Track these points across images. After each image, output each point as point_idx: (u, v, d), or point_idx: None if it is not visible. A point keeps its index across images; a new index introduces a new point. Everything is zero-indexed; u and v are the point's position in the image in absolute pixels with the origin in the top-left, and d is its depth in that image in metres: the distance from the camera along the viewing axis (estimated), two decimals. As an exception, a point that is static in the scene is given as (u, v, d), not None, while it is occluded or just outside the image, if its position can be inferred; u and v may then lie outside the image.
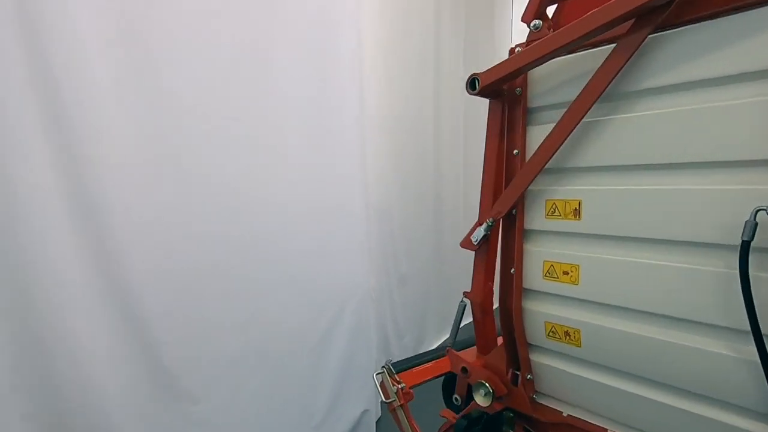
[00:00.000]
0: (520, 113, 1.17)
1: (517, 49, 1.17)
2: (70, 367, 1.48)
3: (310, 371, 2.46)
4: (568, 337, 1.12)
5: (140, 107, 1.63)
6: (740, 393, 0.86)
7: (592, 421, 1.13)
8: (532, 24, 1.13)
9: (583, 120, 1.02)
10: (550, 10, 1.15)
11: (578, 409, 1.17)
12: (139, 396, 1.68)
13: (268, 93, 2.10)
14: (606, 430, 1.10)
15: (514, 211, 1.18)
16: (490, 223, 1.21)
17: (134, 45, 1.59)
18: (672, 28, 0.90)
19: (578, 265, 1.08)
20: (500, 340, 1.33)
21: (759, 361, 0.79)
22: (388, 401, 1.54)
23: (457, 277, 4.10)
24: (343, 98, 2.50)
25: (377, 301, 3.05)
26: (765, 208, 0.77)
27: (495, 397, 1.24)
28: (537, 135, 1.15)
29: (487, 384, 1.25)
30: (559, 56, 1.04)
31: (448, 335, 4.08)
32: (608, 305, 1.03)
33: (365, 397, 2.69)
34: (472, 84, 1.18)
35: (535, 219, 1.16)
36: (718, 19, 0.85)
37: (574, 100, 1.02)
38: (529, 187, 1.13)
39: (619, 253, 1.00)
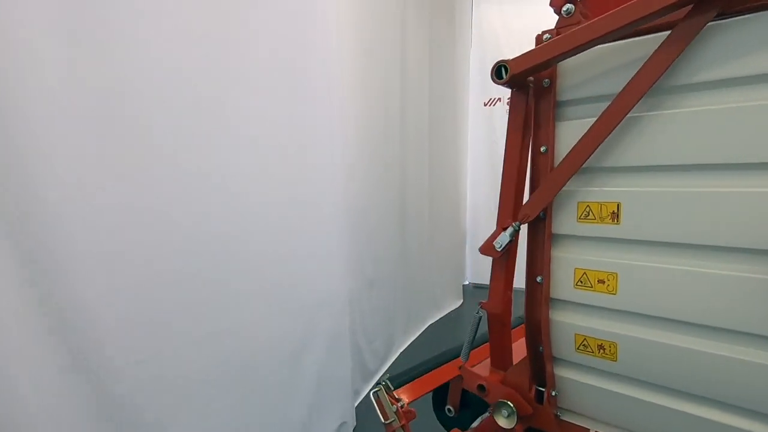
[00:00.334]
0: (549, 107, 1.07)
1: (545, 36, 1.07)
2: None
3: (285, 384, 2.28)
4: (602, 351, 1.04)
5: (89, 104, 1.37)
6: None
7: (624, 439, 1.05)
8: (564, 9, 1.03)
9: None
10: (582, -5, 1.05)
11: (606, 426, 1.09)
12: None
13: (239, 87, 1.90)
14: (640, 447, 1.03)
15: (542, 215, 1.08)
16: (516, 228, 1.10)
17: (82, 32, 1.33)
18: (733, 16, 0.83)
19: (616, 273, 0.99)
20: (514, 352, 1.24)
21: None
22: (386, 422, 1.40)
23: (422, 280, 4.04)
24: (315, 98, 2.33)
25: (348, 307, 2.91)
26: None
27: (519, 417, 1.14)
28: (567, 131, 1.05)
29: (510, 404, 1.15)
30: (602, 44, 0.95)
31: (415, 337, 3.99)
32: (651, 317, 0.95)
33: (342, 409, 2.54)
34: (498, 72, 1.07)
35: (565, 223, 1.07)
36: None
37: (620, 93, 0.93)
38: (559, 189, 1.04)
39: (664, 260, 0.93)
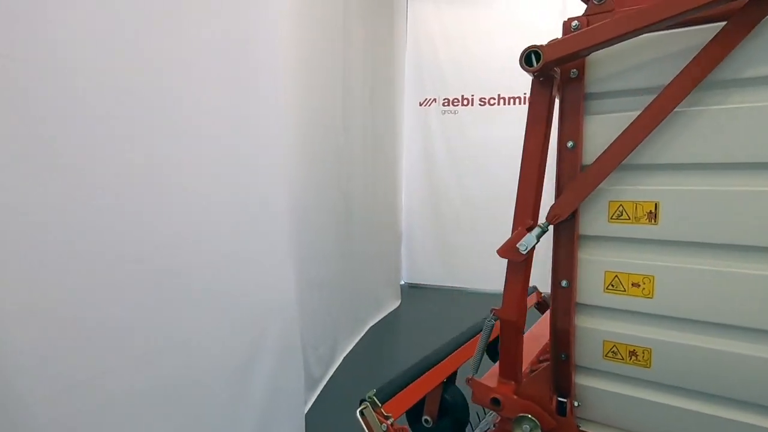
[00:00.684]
0: (577, 99, 1.00)
1: (574, 24, 1.00)
2: None
3: (232, 403, 2.03)
4: (633, 358, 0.99)
5: None
6: None
7: (648, 447, 1.01)
8: (598, -6, 0.96)
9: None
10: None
11: (628, 434, 1.05)
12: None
13: (175, 67, 1.63)
14: (666, 455, 1.00)
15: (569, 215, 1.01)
16: (544, 229, 1.01)
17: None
18: None
19: (653, 276, 0.95)
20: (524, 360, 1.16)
21: None
22: None
23: (364, 281, 3.91)
24: (259, 98, 2.11)
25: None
26: None
27: (542, 431, 1.06)
28: (597, 126, 0.98)
29: (533, 418, 1.06)
30: (646, 33, 0.89)
31: (358, 340, 3.86)
32: (691, 320, 0.92)
33: (295, 427, 2.33)
34: (528, 58, 0.97)
35: (594, 223, 1.00)
36: None
37: (667, 87, 0.88)
38: (587, 187, 0.97)
39: (706, 261, 0.89)
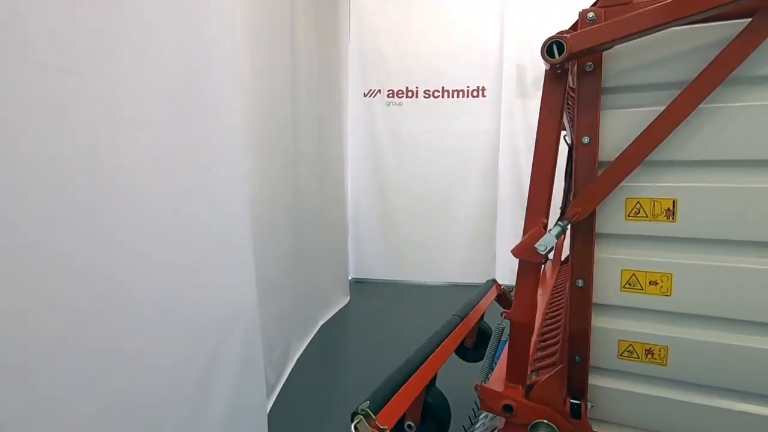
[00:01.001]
0: (593, 94, 0.96)
1: (590, 15, 0.96)
2: None
3: (191, 423, 1.83)
4: (649, 356, 0.98)
5: None
6: None
7: (658, 442, 1.02)
8: (619, -17, 0.93)
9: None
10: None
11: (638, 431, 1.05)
12: None
13: (116, 55, 1.42)
14: (676, 449, 1.01)
15: (589, 213, 0.98)
16: (564, 226, 0.97)
17: None
18: None
19: (671, 274, 0.94)
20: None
21: None
22: None
23: (315, 278, 3.77)
24: (209, 98, 1.92)
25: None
26: None
27: (559, 436, 1.03)
28: (614, 121, 0.96)
29: (551, 424, 1.02)
30: (677, 26, 0.87)
31: (310, 340, 3.72)
32: (709, 317, 0.92)
33: (259, 441, 2.17)
34: (549, 49, 0.92)
35: (611, 221, 0.98)
36: None
37: (692, 83, 0.86)
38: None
39: (725, 258, 0.90)
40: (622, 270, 0.98)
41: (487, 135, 5.00)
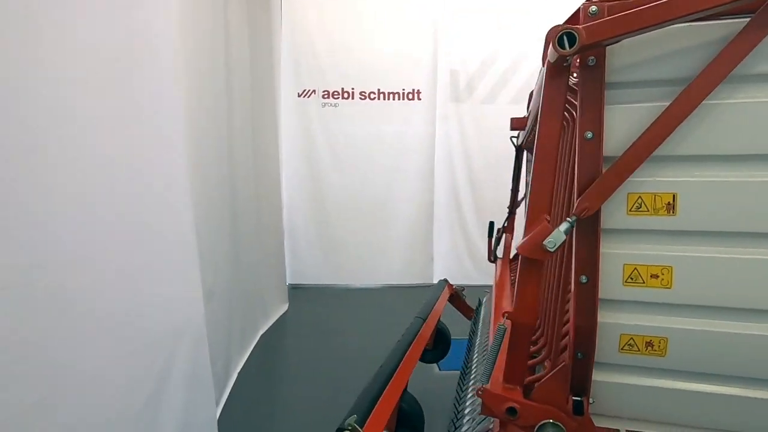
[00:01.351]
0: (597, 89, 0.96)
1: (592, 8, 0.95)
2: None
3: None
4: (649, 348, 1.00)
5: None
6: None
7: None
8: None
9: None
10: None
11: (635, 422, 1.07)
12: None
13: (54, 60, 1.24)
14: (670, 436, 1.04)
15: (593, 208, 0.97)
16: (572, 222, 0.96)
17: None
18: None
19: (671, 267, 0.96)
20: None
21: None
22: None
23: (254, 286, 3.55)
24: (143, 100, 1.73)
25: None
26: None
27: (566, 436, 1.01)
28: (617, 116, 0.96)
29: (558, 423, 1.01)
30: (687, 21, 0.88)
31: (250, 352, 3.51)
32: (708, 307, 0.96)
33: (209, 467, 1.97)
34: (560, 40, 0.90)
35: (613, 216, 0.98)
36: None
37: (696, 79, 0.89)
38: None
39: (722, 249, 0.94)
40: (624, 264, 0.99)
41: (423, 138, 5.06)
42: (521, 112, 4.81)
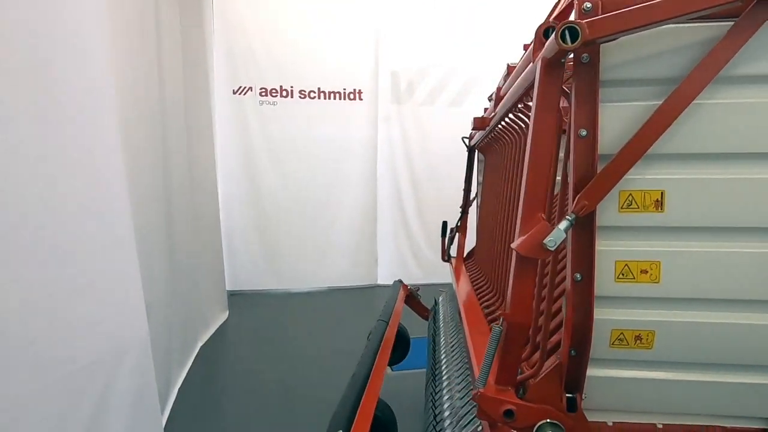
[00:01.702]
0: (591, 86, 0.97)
1: (586, 5, 0.96)
2: None
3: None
4: (638, 342, 1.02)
5: None
6: None
7: (639, 421, 1.08)
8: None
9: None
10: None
11: (622, 414, 1.10)
12: None
13: None
14: (654, 425, 1.08)
15: (587, 206, 0.98)
16: (571, 220, 0.95)
17: None
18: None
19: (659, 262, 0.99)
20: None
21: None
22: None
23: (191, 295, 3.30)
24: (75, 84, 1.55)
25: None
26: None
27: (563, 434, 1.01)
28: (610, 114, 0.98)
29: (557, 423, 1.00)
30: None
31: (189, 366, 3.28)
32: (692, 299, 1.00)
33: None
34: (562, 35, 0.89)
35: (605, 213, 1.00)
36: None
37: (686, 79, 0.92)
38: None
39: (706, 244, 0.98)
40: (616, 261, 1.00)
41: (365, 138, 5.02)
42: (460, 115, 4.94)
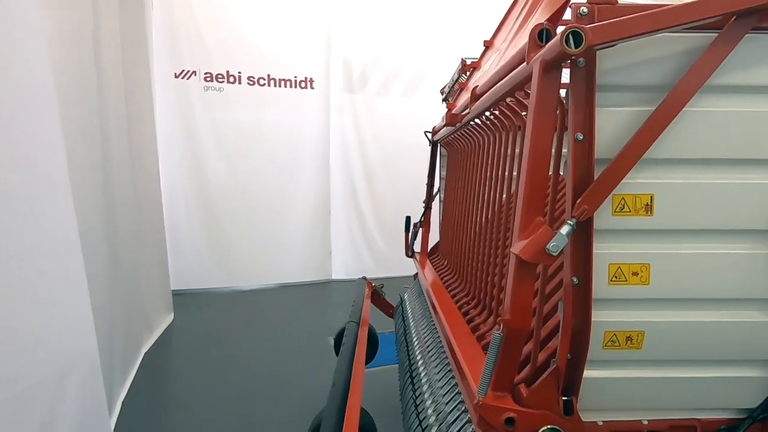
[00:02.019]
0: (588, 91, 0.96)
1: (582, 9, 0.95)
2: None
3: None
4: (629, 342, 1.05)
5: None
6: None
7: (626, 419, 1.11)
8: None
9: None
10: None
11: (611, 413, 1.12)
12: None
13: None
14: (640, 421, 1.12)
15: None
16: (573, 225, 0.95)
17: None
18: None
19: (649, 264, 1.02)
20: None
21: None
22: None
23: (134, 296, 3.07)
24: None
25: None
26: None
27: (563, 439, 1.01)
28: (605, 119, 0.98)
29: (558, 428, 1.00)
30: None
31: (133, 376, 3.05)
32: (679, 299, 1.03)
33: None
34: (566, 40, 0.87)
35: (600, 217, 1.00)
36: None
37: (676, 86, 0.94)
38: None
39: (692, 246, 1.01)
40: (609, 264, 1.01)
41: (317, 128, 4.89)
42: (413, 106, 4.93)
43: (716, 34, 0.93)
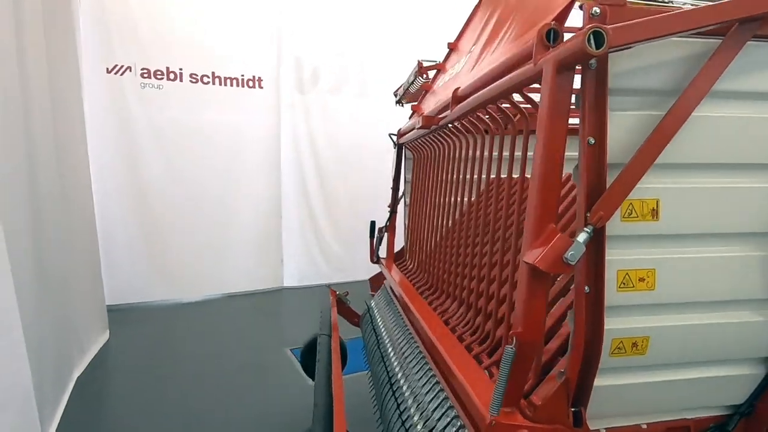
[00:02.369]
0: (600, 94, 0.94)
1: (594, 10, 0.93)
2: None
3: None
4: (635, 349, 1.04)
5: None
6: None
7: (626, 424, 1.11)
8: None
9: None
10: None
11: (612, 418, 1.11)
12: None
13: None
14: (639, 425, 1.12)
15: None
16: (590, 232, 0.91)
17: None
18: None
19: (654, 269, 1.01)
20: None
21: None
22: None
23: (62, 314, 2.73)
24: None
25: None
26: None
27: (576, 453, 0.98)
28: (617, 122, 0.96)
29: (571, 442, 0.96)
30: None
31: (66, 404, 2.71)
32: (683, 303, 1.04)
33: None
34: (588, 40, 0.84)
35: (609, 223, 0.98)
36: None
37: (685, 91, 0.94)
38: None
39: (696, 250, 1.02)
40: (617, 270, 1.00)
41: (266, 129, 4.68)
42: (367, 106, 4.84)
43: (719, 41, 0.94)
